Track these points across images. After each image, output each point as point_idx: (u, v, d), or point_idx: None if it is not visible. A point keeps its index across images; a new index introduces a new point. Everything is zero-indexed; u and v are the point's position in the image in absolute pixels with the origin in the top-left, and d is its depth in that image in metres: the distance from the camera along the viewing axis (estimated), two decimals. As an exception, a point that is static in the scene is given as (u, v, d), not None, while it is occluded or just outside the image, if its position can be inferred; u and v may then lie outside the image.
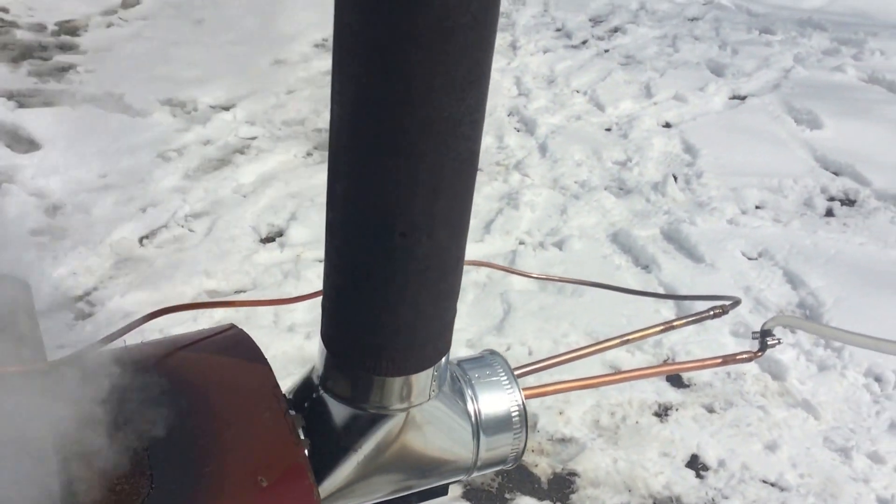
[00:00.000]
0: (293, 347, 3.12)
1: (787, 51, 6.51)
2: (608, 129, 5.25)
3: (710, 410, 2.92)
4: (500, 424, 1.40)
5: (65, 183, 4.22)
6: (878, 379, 3.02)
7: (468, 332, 3.31)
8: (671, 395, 2.99)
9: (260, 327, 3.20)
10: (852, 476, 2.66)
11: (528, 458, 2.73)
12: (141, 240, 3.80)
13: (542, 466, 2.71)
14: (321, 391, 1.32)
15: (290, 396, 1.38)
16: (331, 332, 1.27)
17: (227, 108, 5.27)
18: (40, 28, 6.51)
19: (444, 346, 1.27)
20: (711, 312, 1.75)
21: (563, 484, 2.65)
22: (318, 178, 4.42)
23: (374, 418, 1.27)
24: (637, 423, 2.86)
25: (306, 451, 1.28)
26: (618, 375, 1.86)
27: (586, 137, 5.07)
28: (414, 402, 1.27)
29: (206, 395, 1.31)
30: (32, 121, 4.84)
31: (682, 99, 5.65)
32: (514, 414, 1.41)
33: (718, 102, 5.64)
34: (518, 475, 2.67)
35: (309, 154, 4.77)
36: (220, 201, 4.21)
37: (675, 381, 3.07)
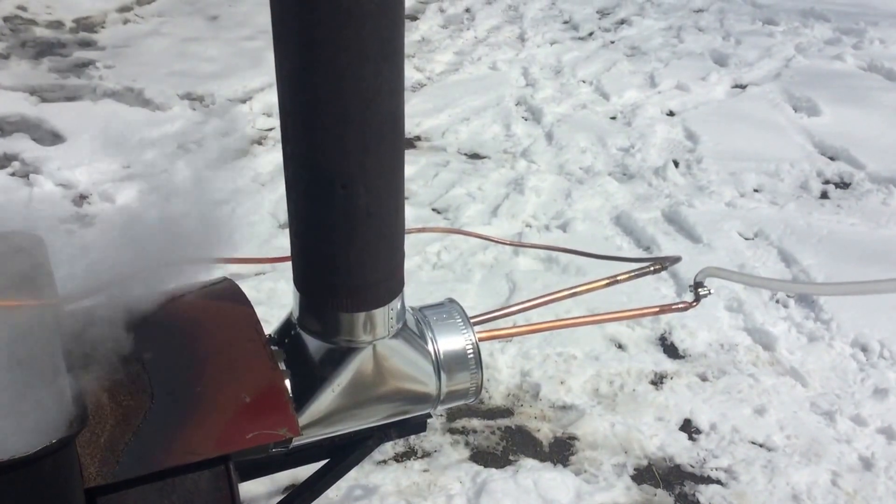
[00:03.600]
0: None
1: (789, 41, 6.65)
2: (613, 118, 5.41)
3: (704, 379, 3.09)
4: (458, 361, 1.62)
5: (90, 174, 4.41)
6: (864, 349, 3.18)
7: (477, 310, 3.47)
8: (667, 364, 3.16)
9: (281, 306, 3.38)
10: (836, 437, 2.82)
11: (531, 424, 2.91)
12: (164, 225, 3.99)
13: (544, 431, 2.89)
14: (298, 329, 1.53)
15: (274, 336, 1.59)
16: (299, 276, 1.48)
17: (243, 102, 5.46)
18: (58, 25, 6.70)
19: (397, 285, 1.48)
20: (652, 268, 1.97)
21: (564, 447, 2.82)
22: (332, 167, 4.59)
23: (344, 351, 1.49)
24: (634, 390, 3.03)
25: (287, 381, 1.49)
26: (565, 321, 2.06)
27: (591, 125, 5.24)
28: (378, 336, 1.48)
29: (200, 330, 1.51)
30: (56, 115, 5.03)
31: (685, 88, 5.80)
32: (469, 352, 1.63)
33: (720, 91, 5.80)
34: (521, 439, 2.85)
35: (323, 144, 4.95)
36: (240, 190, 4.40)
37: (672, 352, 3.24)
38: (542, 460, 2.75)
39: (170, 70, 5.80)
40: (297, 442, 1.51)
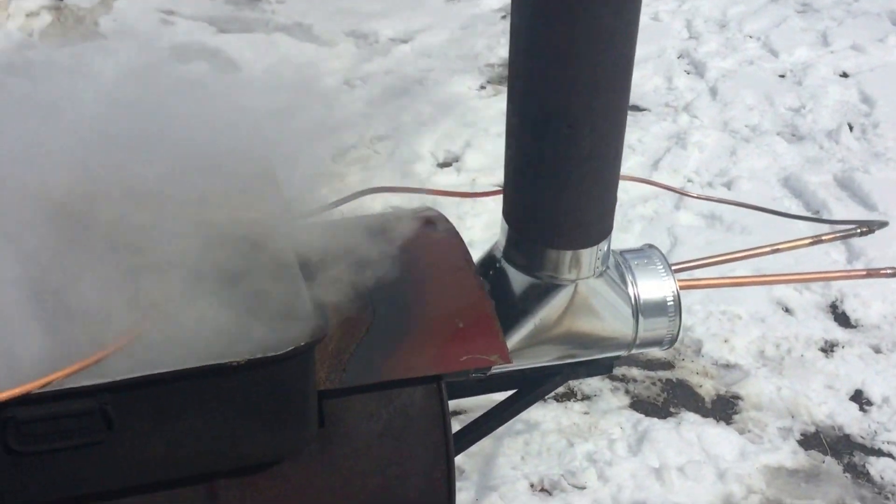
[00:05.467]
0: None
1: (977, 4, 6.22)
2: (782, 76, 5.20)
3: (877, 351, 2.99)
4: (657, 307, 1.61)
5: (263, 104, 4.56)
6: None
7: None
8: (838, 333, 3.07)
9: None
10: None
11: (693, 380, 2.89)
12: (333, 157, 4.10)
13: (707, 388, 2.86)
14: (503, 261, 1.55)
15: (478, 266, 1.62)
16: (511, 210, 1.50)
17: (405, 42, 5.51)
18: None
19: (607, 227, 1.48)
20: (858, 231, 1.89)
21: (727, 405, 2.80)
22: (492, 110, 4.59)
23: (547, 287, 1.50)
24: (802, 356, 2.96)
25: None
26: (764, 277, 2.02)
27: (758, 82, 5.05)
28: (582, 276, 1.49)
29: (414, 256, 1.56)
30: (232, 45, 5.22)
31: (860, 49, 5.50)
32: (669, 299, 1.61)
33: (900, 54, 5.49)
34: (682, 394, 2.84)
35: (482, 87, 4.96)
36: (401, 127, 4.47)
37: (843, 320, 3.14)
38: (705, 416, 2.74)
39: (336, 7, 5.90)
40: (493, 370, 1.55)
